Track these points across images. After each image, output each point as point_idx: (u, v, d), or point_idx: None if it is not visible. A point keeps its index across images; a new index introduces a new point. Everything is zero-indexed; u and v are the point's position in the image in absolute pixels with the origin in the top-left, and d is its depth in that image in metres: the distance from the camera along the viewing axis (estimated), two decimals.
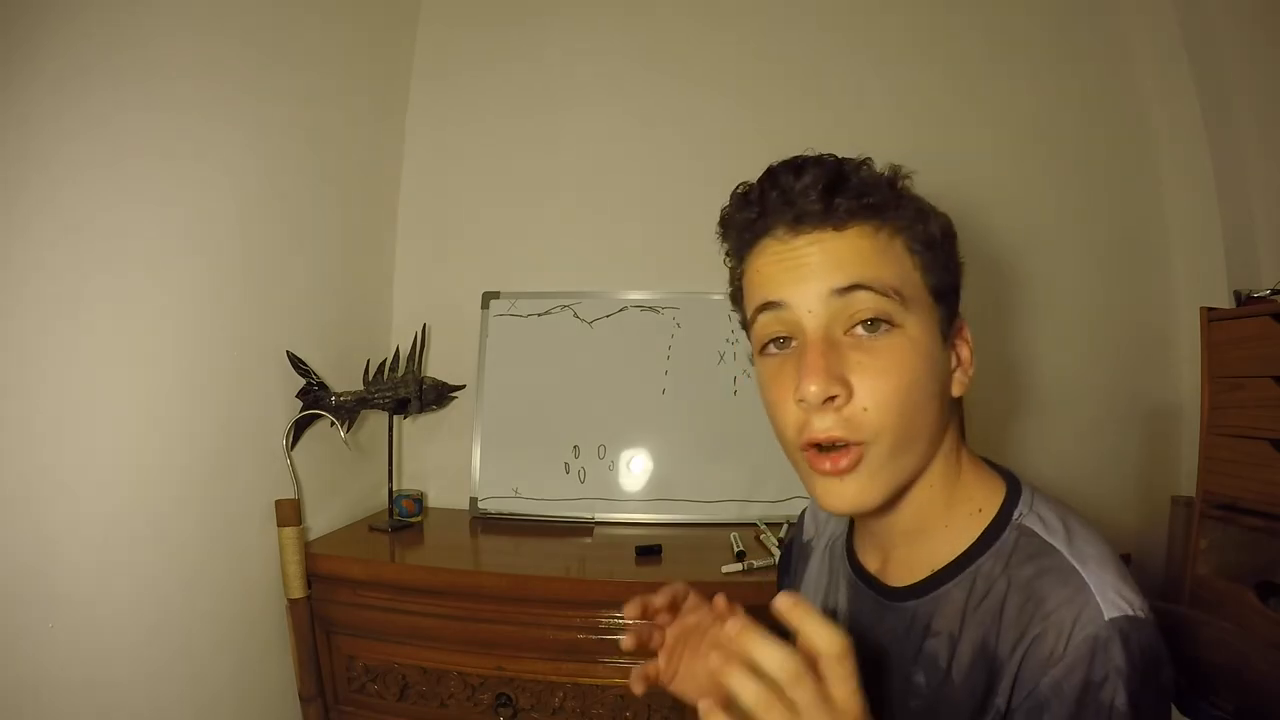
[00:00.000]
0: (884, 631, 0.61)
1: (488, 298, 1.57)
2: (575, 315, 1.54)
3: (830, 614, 0.68)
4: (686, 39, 1.61)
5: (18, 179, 0.79)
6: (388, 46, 1.59)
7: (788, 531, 1.32)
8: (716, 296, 1.52)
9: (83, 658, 0.85)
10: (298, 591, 1.16)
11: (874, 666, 0.61)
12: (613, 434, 1.49)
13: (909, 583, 0.60)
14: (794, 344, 0.56)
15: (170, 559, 0.99)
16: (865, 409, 0.52)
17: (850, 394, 0.53)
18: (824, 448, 0.54)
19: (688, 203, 1.58)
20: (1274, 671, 0.64)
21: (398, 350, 1.47)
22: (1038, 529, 0.55)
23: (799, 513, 0.82)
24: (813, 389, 0.52)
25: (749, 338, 0.61)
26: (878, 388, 0.52)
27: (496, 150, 1.63)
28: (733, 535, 1.27)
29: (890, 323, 0.53)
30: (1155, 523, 1.48)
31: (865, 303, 0.53)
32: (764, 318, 0.57)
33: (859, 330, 0.53)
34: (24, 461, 0.80)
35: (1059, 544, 0.53)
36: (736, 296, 0.63)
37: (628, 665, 1.11)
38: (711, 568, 1.14)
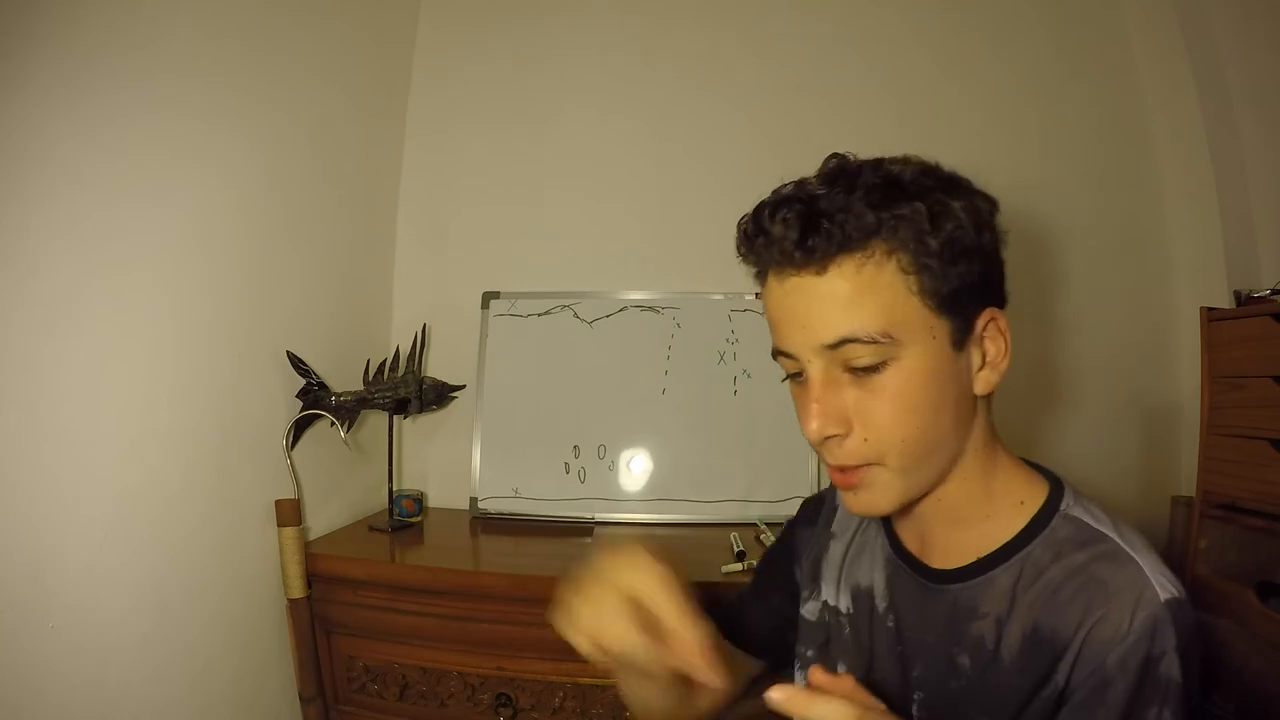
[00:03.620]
0: (924, 612, 0.62)
1: (488, 298, 1.57)
2: (575, 315, 1.54)
3: (866, 591, 0.68)
4: (687, 38, 1.60)
5: (17, 179, 0.78)
6: (388, 45, 1.59)
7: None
8: (716, 296, 1.52)
9: (83, 658, 0.85)
10: (298, 591, 1.16)
11: (913, 645, 0.62)
12: (613, 434, 1.49)
13: (952, 566, 0.61)
14: (803, 376, 0.58)
15: (170, 559, 0.99)
16: (865, 440, 0.56)
17: (849, 429, 0.56)
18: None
19: (688, 202, 1.59)
20: (1273, 671, 0.64)
21: (398, 350, 1.47)
22: (1087, 519, 0.57)
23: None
24: (812, 426, 0.56)
25: None
26: (874, 421, 0.55)
27: (496, 150, 1.63)
28: (733, 535, 1.26)
29: (884, 364, 0.54)
30: (1155, 523, 1.48)
31: (855, 353, 0.54)
32: (780, 359, 0.60)
33: (856, 369, 0.55)
34: (24, 462, 0.80)
35: (1109, 532, 0.56)
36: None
37: None
38: (711, 568, 1.14)
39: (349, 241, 1.48)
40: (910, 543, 0.66)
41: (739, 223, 0.60)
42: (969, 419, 0.59)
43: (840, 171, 0.56)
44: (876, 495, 0.57)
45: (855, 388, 0.55)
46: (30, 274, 0.80)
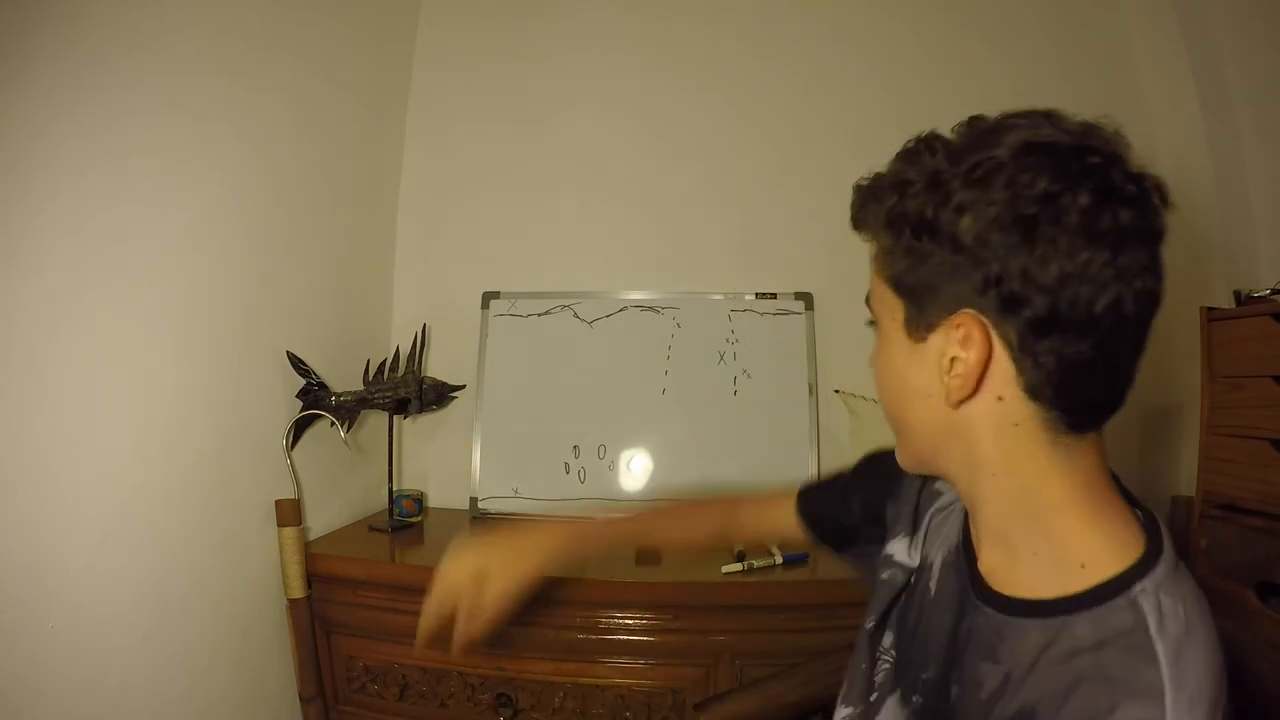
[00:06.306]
0: (952, 619, 0.58)
1: (488, 298, 1.57)
2: (575, 315, 1.54)
3: (928, 567, 0.64)
4: (687, 38, 1.61)
5: (18, 179, 0.79)
6: (388, 45, 1.59)
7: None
8: (716, 297, 1.52)
9: (83, 658, 0.86)
10: (298, 591, 1.16)
11: (933, 646, 0.58)
12: (613, 434, 1.49)
13: (995, 587, 0.55)
14: None
15: (170, 559, 0.99)
16: None
17: None
18: None
19: (688, 202, 1.59)
20: (1274, 671, 0.64)
21: (398, 350, 1.47)
22: (1151, 620, 0.46)
23: None
24: None
25: None
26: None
27: (496, 150, 1.63)
28: None
29: (875, 321, 0.60)
30: None
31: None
32: None
33: None
34: (24, 462, 0.80)
35: (1163, 653, 0.45)
36: None
37: (628, 665, 1.11)
38: (711, 568, 1.14)
39: (349, 241, 1.48)
40: (976, 542, 0.59)
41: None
42: (958, 428, 0.54)
43: (915, 149, 0.60)
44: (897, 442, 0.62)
45: None
46: (32, 274, 0.80)
